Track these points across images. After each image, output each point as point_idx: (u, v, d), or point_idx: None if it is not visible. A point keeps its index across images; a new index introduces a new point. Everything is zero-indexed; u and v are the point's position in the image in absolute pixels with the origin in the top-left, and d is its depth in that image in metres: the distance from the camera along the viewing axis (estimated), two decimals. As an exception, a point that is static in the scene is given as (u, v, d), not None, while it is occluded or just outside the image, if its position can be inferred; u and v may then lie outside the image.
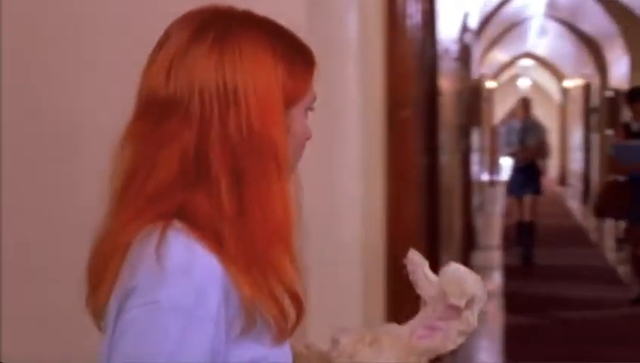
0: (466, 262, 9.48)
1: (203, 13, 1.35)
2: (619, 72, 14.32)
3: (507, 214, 15.41)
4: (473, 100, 12.79)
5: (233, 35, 1.31)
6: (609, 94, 14.95)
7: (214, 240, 1.26)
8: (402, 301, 3.15)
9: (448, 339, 1.47)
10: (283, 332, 1.31)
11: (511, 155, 11.27)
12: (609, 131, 9.54)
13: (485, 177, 21.75)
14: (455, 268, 1.49)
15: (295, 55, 1.35)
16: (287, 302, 1.30)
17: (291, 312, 1.31)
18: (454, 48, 7.41)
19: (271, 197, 1.30)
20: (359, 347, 1.46)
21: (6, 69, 2.08)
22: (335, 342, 1.47)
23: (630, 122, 8.98)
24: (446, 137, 6.66)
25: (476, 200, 14.73)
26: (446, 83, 6.80)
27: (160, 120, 1.29)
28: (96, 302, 1.31)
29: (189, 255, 1.23)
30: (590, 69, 18.23)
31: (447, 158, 6.68)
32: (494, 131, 24.15)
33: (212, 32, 1.31)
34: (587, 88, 19.23)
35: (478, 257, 11.65)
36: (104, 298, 1.28)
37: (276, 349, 1.32)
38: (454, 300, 1.45)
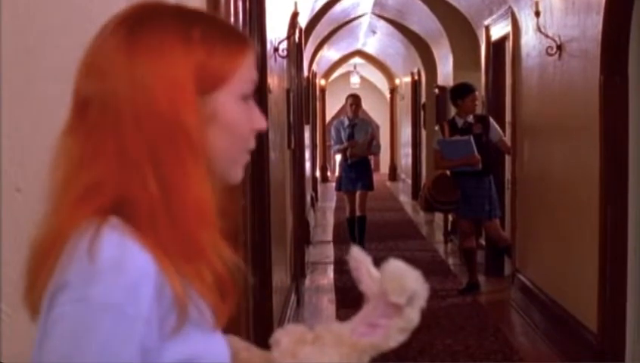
0: (300, 257, 9.56)
1: (126, 9, 1.37)
2: (445, 70, 14.70)
3: (339, 209, 15.62)
4: (305, 97, 12.89)
5: (142, 26, 1.33)
6: (436, 91, 15.32)
7: (150, 235, 1.25)
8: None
9: (389, 336, 1.45)
10: (220, 317, 1.32)
11: (341, 151, 11.42)
12: (436, 127, 9.79)
13: (318, 173, 21.98)
14: (394, 265, 1.46)
15: (218, 39, 1.35)
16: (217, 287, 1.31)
17: (224, 298, 1.32)
18: (283, 46, 7.46)
19: (189, 183, 1.29)
20: (301, 346, 1.43)
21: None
22: (277, 342, 1.45)
23: (456, 119, 9.25)
24: (276, 134, 6.70)
25: (309, 196, 14.86)
26: (276, 81, 6.84)
27: (84, 116, 1.31)
28: (33, 298, 1.30)
29: (121, 252, 1.22)
30: (418, 67, 18.64)
31: (277, 155, 6.72)
32: (326, 128, 24.47)
33: (124, 26, 1.33)
34: (416, 84, 19.65)
35: (312, 252, 11.77)
36: (40, 294, 1.26)
37: (213, 344, 1.33)
38: (394, 298, 1.43)
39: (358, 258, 1.51)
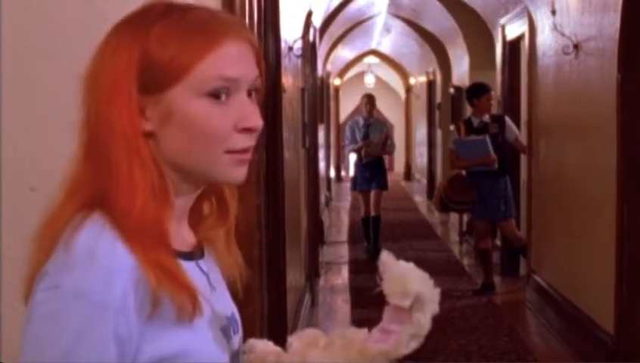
0: (314, 256, 9.55)
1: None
2: (461, 69, 14.67)
3: (354, 209, 15.61)
4: (319, 96, 12.88)
5: (114, 27, 1.34)
6: (451, 91, 15.29)
7: (128, 229, 1.27)
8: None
9: (400, 343, 1.39)
10: (192, 309, 1.29)
11: (356, 151, 11.41)
12: (452, 127, 9.77)
13: (332, 173, 21.98)
14: (400, 267, 1.41)
15: (177, 34, 1.31)
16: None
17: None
18: (298, 46, 7.44)
19: (131, 184, 1.29)
20: (311, 349, 1.42)
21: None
22: (290, 345, 1.44)
23: (471, 118, 9.22)
24: (291, 133, 6.69)
25: (323, 196, 14.85)
26: (290, 80, 6.83)
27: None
28: (27, 290, 1.32)
29: (96, 243, 1.24)
30: (433, 67, 18.61)
31: (291, 154, 6.71)
32: (341, 128, 24.46)
33: (112, 29, 1.35)
34: (431, 84, 19.63)
35: (326, 252, 11.76)
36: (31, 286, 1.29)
37: (200, 342, 1.32)
38: (396, 301, 1.38)
39: (387, 262, 1.47)
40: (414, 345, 1.40)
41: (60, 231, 1.28)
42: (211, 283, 1.44)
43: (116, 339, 1.22)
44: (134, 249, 1.25)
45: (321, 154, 13.56)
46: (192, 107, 1.31)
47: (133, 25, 1.33)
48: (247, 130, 1.35)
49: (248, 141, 1.36)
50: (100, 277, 1.22)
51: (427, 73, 20.06)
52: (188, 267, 1.36)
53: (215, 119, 1.32)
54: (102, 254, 1.23)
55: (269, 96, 5.07)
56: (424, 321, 1.39)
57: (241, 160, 1.36)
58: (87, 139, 1.32)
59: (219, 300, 1.44)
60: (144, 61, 1.30)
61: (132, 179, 1.28)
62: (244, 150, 1.36)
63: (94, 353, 1.21)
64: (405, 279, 1.38)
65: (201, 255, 1.45)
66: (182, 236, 1.41)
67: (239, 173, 1.37)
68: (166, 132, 1.32)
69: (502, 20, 10.33)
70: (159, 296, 1.25)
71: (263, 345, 1.49)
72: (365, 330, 1.44)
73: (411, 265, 1.42)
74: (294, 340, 1.45)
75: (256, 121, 1.35)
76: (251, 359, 1.47)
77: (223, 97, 1.32)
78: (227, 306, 1.48)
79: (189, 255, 1.40)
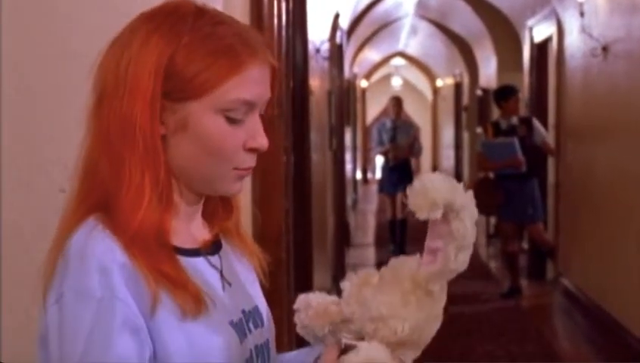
0: (340, 259, 9.54)
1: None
2: (488, 71, 14.61)
3: (380, 211, 15.57)
4: (346, 99, 12.87)
5: (141, 19, 1.36)
6: (479, 93, 15.24)
7: (127, 231, 1.28)
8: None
9: (448, 258, 1.31)
10: (196, 305, 1.31)
11: (383, 153, 11.38)
12: (479, 130, 9.73)
13: (358, 175, 21.96)
14: (422, 179, 1.31)
15: (205, 50, 1.32)
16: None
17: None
18: (325, 48, 7.45)
19: (140, 188, 1.30)
20: (363, 289, 1.35)
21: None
22: (343, 289, 1.38)
23: (499, 121, 9.18)
24: (318, 135, 6.69)
25: (349, 198, 14.84)
26: (317, 82, 6.83)
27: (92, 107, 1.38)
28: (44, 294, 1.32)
29: (85, 242, 1.26)
30: (460, 69, 18.55)
31: (318, 156, 6.71)
32: (367, 130, 24.44)
33: (131, 24, 1.37)
34: (458, 86, 19.56)
35: (352, 254, 11.74)
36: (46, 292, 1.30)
37: (200, 337, 1.31)
38: (424, 216, 1.28)
39: None
40: (462, 257, 1.33)
41: (69, 237, 1.30)
42: (225, 277, 1.45)
43: (130, 329, 1.24)
44: (129, 250, 1.27)
45: (348, 156, 13.54)
46: (208, 123, 1.34)
47: (164, 27, 1.33)
48: (254, 150, 1.38)
49: (252, 161, 1.40)
50: (96, 275, 1.24)
51: (454, 75, 19.98)
52: (194, 263, 1.38)
53: (228, 136, 1.35)
54: (91, 253, 1.25)
55: (297, 98, 5.08)
56: (463, 229, 1.31)
57: (242, 176, 1.41)
58: (98, 131, 1.34)
59: (234, 294, 1.45)
60: (169, 69, 1.31)
61: (142, 183, 1.31)
62: (247, 168, 1.40)
63: (110, 346, 1.22)
64: (427, 190, 1.28)
65: (213, 252, 1.46)
66: (191, 233, 1.43)
67: (237, 187, 1.42)
68: (178, 140, 1.35)
69: (530, 22, 10.29)
70: (158, 295, 1.27)
71: (319, 298, 1.42)
72: (415, 257, 1.35)
73: (434, 175, 1.31)
74: (346, 284, 1.38)
75: (262, 141, 1.39)
76: (311, 315, 1.41)
77: (239, 117, 1.36)
78: (247, 300, 1.49)
79: (195, 252, 1.41)
